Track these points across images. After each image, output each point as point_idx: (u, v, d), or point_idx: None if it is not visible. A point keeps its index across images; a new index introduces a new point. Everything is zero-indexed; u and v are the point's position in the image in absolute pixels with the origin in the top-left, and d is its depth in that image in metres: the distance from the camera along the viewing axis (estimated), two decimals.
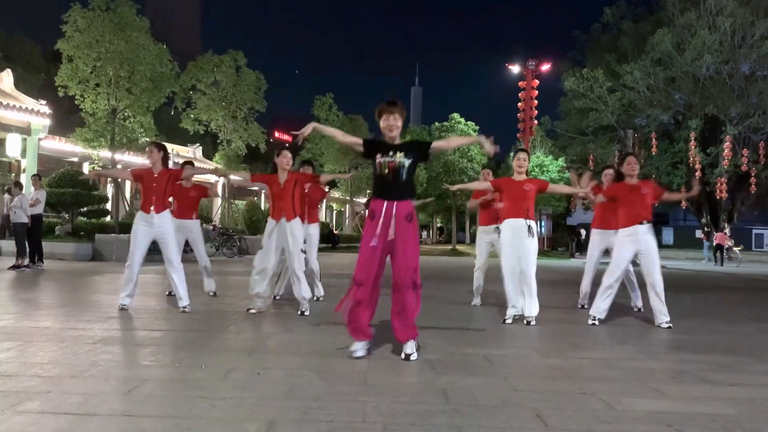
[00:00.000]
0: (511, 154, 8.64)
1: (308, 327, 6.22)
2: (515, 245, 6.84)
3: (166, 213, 7.16)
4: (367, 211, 5.07)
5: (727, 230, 40.25)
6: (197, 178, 8.72)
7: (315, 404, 3.35)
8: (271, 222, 7.05)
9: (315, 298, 8.18)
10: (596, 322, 6.87)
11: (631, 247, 6.82)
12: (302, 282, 7.03)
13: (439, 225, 76.16)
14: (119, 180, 25.99)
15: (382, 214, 4.65)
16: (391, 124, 4.77)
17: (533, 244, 6.86)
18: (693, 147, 31.44)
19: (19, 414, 3.05)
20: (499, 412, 3.30)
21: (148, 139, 23.60)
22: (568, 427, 3.09)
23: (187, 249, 8.79)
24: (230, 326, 6.17)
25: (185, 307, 7.01)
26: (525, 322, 6.80)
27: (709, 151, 31.79)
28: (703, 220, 44.23)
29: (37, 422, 2.93)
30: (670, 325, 6.74)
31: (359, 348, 4.69)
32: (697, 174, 31.74)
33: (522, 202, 6.87)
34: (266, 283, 7.06)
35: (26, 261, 13.48)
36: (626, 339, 6.10)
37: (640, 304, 8.32)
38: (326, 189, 8.85)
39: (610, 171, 8.36)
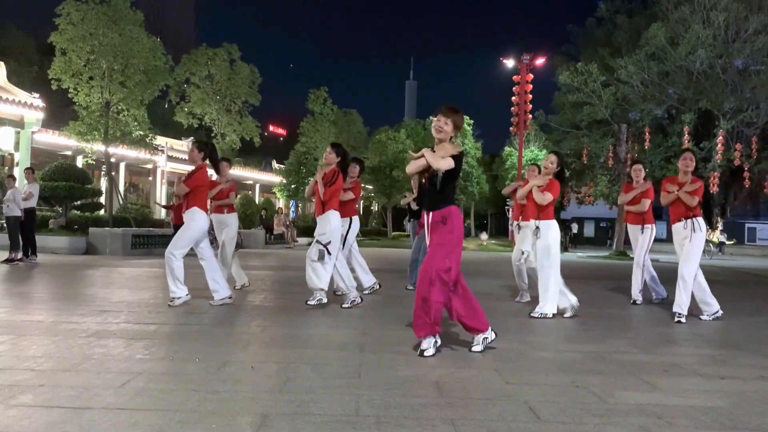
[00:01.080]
0: (506, 148, 8.69)
1: (303, 321, 6.23)
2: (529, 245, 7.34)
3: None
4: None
5: (720, 224, 40.49)
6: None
7: (308, 397, 3.36)
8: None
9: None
10: (682, 320, 6.86)
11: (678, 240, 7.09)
12: (318, 272, 7.04)
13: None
14: (113, 173, 25.92)
15: (425, 225, 4.80)
16: (439, 126, 4.76)
17: (540, 244, 7.05)
18: (686, 141, 31.47)
19: (12, 407, 3.05)
20: (491, 405, 3.32)
21: (141, 132, 23.54)
22: (561, 419, 3.11)
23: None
24: (224, 320, 6.17)
25: (216, 300, 7.14)
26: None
27: (702, 146, 31.84)
28: None
29: (29, 416, 2.93)
30: (682, 320, 6.83)
31: (426, 344, 4.63)
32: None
33: (532, 204, 7.19)
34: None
35: (19, 255, 13.44)
36: (619, 332, 6.13)
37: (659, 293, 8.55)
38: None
39: (639, 166, 8.53)
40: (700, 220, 7.02)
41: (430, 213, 4.73)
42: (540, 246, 7.00)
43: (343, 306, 7.14)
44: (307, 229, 33.80)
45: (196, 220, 7.05)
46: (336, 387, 3.61)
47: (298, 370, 4.02)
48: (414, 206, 9.41)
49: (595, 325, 6.53)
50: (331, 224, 7.10)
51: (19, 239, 13.48)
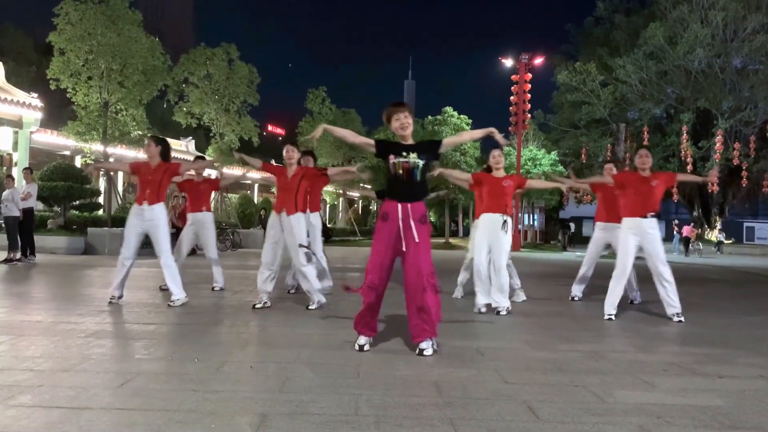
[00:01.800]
0: (505, 148, 8.68)
1: (302, 320, 6.23)
2: (490, 239, 7.06)
3: (159, 206, 7.08)
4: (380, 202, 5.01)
5: (718, 223, 40.55)
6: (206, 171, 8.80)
7: (307, 397, 3.36)
8: (273, 215, 7.00)
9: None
10: (612, 317, 6.84)
11: (633, 240, 6.85)
12: (308, 276, 6.96)
13: (431, 219, 76.17)
14: (111, 173, 25.90)
15: (399, 218, 4.60)
16: (404, 123, 4.72)
17: (507, 240, 7.11)
18: (685, 140, 31.59)
19: (11, 408, 3.05)
20: (490, 405, 3.32)
21: (140, 132, 23.52)
22: (559, 419, 3.11)
23: (196, 248, 8.81)
24: (224, 320, 6.18)
25: (173, 302, 6.95)
26: (496, 312, 6.95)
27: (700, 145, 31.93)
28: (695, 213, 44.48)
29: (29, 416, 2.93)
30: (681, 319, 6.74)
31: (366, 342, 4.71)
32: (689, 168, 31.89)
33: (501, 198, 7.13)
34: (271, 279, 7.01)
35: (18, 255, 13.43)
36: (617, 332, 6.13)
37: (634, 297, 8.41)
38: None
39: (611, 165, 8.52)
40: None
41: (408, 206, 4.62)
42: (505, 241, 7.09)
43: (310, 308, 7.00)
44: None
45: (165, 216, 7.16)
46: (335, 387, 3.62)
47: (297, 369, 4.02)
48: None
49: (594, 325, 6.53)
50: (302, 225, 7.01)
51: (17, 239, 13.48)
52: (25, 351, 4.39)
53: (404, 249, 4.60)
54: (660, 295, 6.93)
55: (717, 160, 31.02)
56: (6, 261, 13.08)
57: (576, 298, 8.62)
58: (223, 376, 3.82)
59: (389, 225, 4.61)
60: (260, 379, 3.80)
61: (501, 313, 6.91)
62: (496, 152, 7.33)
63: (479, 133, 5.30)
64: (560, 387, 3.77)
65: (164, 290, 8.16)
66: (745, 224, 49.02)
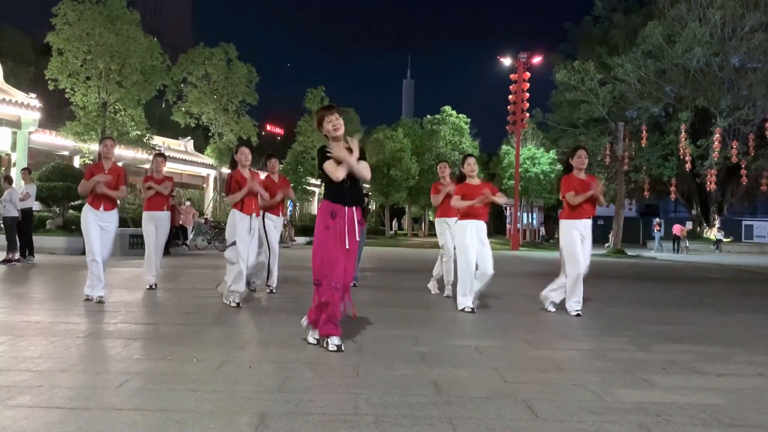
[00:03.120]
0: (504, 147, 8.70)
1: (299, 320, 6.21)
2: (478, 247, 7.15)
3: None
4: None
5: (717, 222, 40.58)
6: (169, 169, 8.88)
7: (307, 397, 3.36)
8: (240, 215, 7.19)
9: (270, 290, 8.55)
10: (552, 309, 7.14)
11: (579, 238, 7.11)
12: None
13: (430, 218, 76.08)
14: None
15: (346, 221, 4.69)
16: (336, 124, 4.80)
17: (488, 246, 7.26)
18: (683, 139, 31.58)
19: (10, 408, 3.04)
20: (489, 404, 3.32)
21: (139, 132, 23.51)
22: (558, 417, 3.11)
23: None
24: (223, 320, 6.17)
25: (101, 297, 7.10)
26: (471, 309, 7.03)
27: (699, 143, 31.91)
28: (694, 212, 44.50)
29: (27, 416, 2.93)
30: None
31: (341, 342, 4.68)
32: (687, 166, 31.91)
33: (483, 206, 7.24)
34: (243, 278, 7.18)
35: (17, 255, 13.43)
36: (616, 330, 6.13)
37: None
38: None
39: (444, 164, 8.95)
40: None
41: (353, 209, 4.75)
42: (488, 246, 7.28)
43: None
44: (304, 228, 33.78)
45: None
46: (334, 386, 3.62)
47: (297, 369, 4.02)
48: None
49: (593, 324, 6.54)
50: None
51: (16, 240, 13.47)
52: (24, 351, 4.38)
53: (347, 247, 4.71)
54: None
55: (715, 159, 31.03)
56: (5, 261, 13.07)
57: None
58: (222, 376, 3.82)
59: (338, 224, 4.69)
60: (259, 378, 3.80)
61: (475, 310, 7.05)
62: (471, 159, 7.50)
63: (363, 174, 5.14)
64: (559, 385, 3.77)
65: (151, 289, 8.41)
66: (744, 222, 48.95)
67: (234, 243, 7.06)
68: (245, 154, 7.28)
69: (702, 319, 7.05)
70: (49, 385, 3.48)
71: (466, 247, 7.15)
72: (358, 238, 4.76)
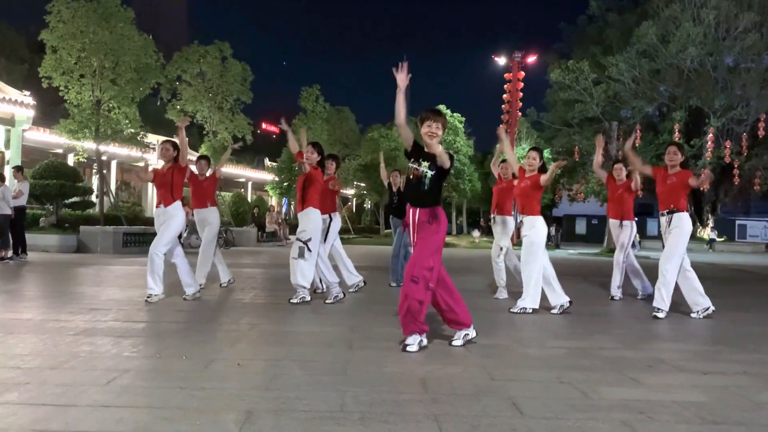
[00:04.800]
0: (498, 146, 8.73)
1: (291, 318, 6.25)
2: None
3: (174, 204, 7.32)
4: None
5: (710, 221, 40.69)
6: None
7: (293, 394, 3.38)
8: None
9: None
10: (660, 315, 6.84)
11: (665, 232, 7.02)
12: (296, 269, 7.12)
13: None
14: (104, 171, 25.82)
15: (410, 221, 4.80)
16: (432, 132, 4.79)
17: (525, 239, 7.08)
18: (677, 139, 31.66)
19: None
20: (476, 401, 3.35)
21: (133, 130, 23.46)
22: (544, 415, 3.14)
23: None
24: (212, 318, 6.19)
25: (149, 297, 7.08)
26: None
27: (692, 143, 32.01)
28: None
29: (15, 413, 2.94)
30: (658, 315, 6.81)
31: (415, 342, 4.68)
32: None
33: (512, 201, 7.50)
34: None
35: (9, 253, 13.40)
36: (606, 329, 6.17)
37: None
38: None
39: (620, 165, 8.80)
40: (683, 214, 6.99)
41: (417, 210, 4.76)
42: (525, 241, 7.04)
43: (327, 302, 7.23)
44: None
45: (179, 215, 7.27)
46: (322, 384, 3.64)
47: (285, 367, 4.04)
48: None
49: (581, 322, 6.57)
50: (312, 221, 7.18)
51: (9, 237, 13.44)
52: (14, 349, 4.39)
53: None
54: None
55: (708, 159, 31.13)
56: None
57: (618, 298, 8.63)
58: (210, 374, 3.84)
59: (406, 227, 4.89)
60: (248, 376, 3.82)
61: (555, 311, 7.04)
62: (532, 153, 7.34)
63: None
64: (546, 383, 3.80)
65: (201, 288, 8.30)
66: (737, 222, 49.18)
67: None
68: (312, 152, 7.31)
69: (691, 318, 7.08)
70: (38, 382, 3.49)
71: (540, 251, 7.08)
72: (419, 237, 4.76)
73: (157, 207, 7.47)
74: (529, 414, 3.15)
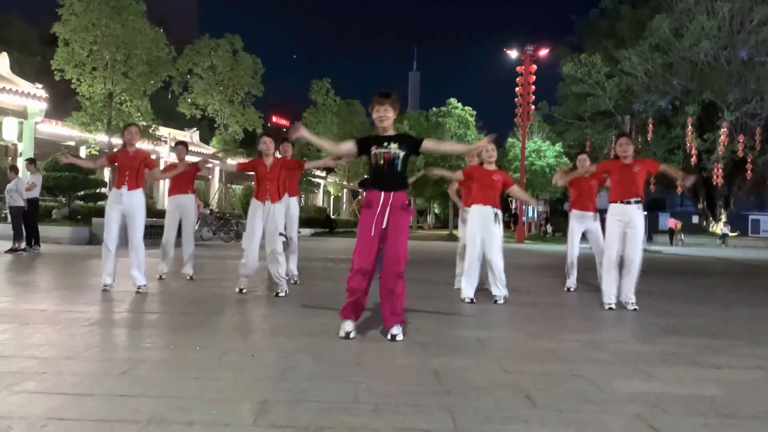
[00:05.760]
0: (510, 139, 8.72)
1: (303, 310, 6.26)
2: (483, 232, 7.13)
3: (137, 192, 7.28)
4: (363, 194, 5.12)
5: (723, 216, 40.48)
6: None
7: (307, 385, 3.39)
8: (255, 203, 7.25)
9: (292, 281, 8.33)
10: (613, 307, 6.88)
11: (619, 226, 6.87)
12: (281, 263, 7.22)
13: (436, 211, 76.15)
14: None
15: (380, 205, 4.73)
16: (382, 115, 4.84)
17: (499, 231, 7.19)
18: (690, 133, 31.51)
19: (15, 394, 3.08)
20: (489, 393, 3.35)
21: (144, 123, 23.56)
22: (557, 407, 3.14)
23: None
24: (226, 309, 6.22)
25: (140, 287, 7.08)
26: (494, 301, 7.07)
27: (705, 137, 31.82)
28: (700, 206, 44.37)
29: (32, 402, 2.97)
30: (636, 307, 6.85)
31: (353, 329, 4.79)
32: (693, 160, 31.81)
33: (490, 191, 7.18)
34: (252, 263, 7.27)
35: (23, 245, 13.50)
36: (618, 322, 6.15)
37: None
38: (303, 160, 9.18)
39: (584, 156, 8.72)
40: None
41: (391, 195, 4.76)
42: (497, 233, 7.17)
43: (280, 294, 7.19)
44: (309, 219, 33.83)
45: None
46: (335, 375, 3.65)
47: (299, 358, 4.05)
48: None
49: (594, 315, 6.55)
50: (282, 213, 7.45)
51: (22, 229, 13.54)
52: (30, 339, 4.43)
53: (386, 234, 4.76)
54: (621, 281, 7.01)
55: (722, 153, 30.91)
56: (11, 251, 13.15)
57: (571, 289, 8.66)
58: (224, 364, 3.86)
59: (373, 212, 4.75)
60: (261, 367, 3.84)
61: (499, 302, 7.05)
62: (490, 146, 7.38)
63: (461, 147, 5.28)
64: (559, 376, 3.80)
65: (161, 279, 8.47)
66: (751, 217, 48.92)
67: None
68: (266, 144, 7.32)
69: (706, 312, 7.06)
70: (54, 372, 3.52)
71: (470, 237, 7.18)
72: (397, 225, 4.75)
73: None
74: (542, 406, 3.15)
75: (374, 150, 4.81)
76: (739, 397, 3.43)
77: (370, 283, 4.85)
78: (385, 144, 4.77)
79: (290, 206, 8.29)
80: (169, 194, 8.86)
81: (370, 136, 5.01)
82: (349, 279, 4.80)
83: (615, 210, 6.89)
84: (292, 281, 8.29)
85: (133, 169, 7.24)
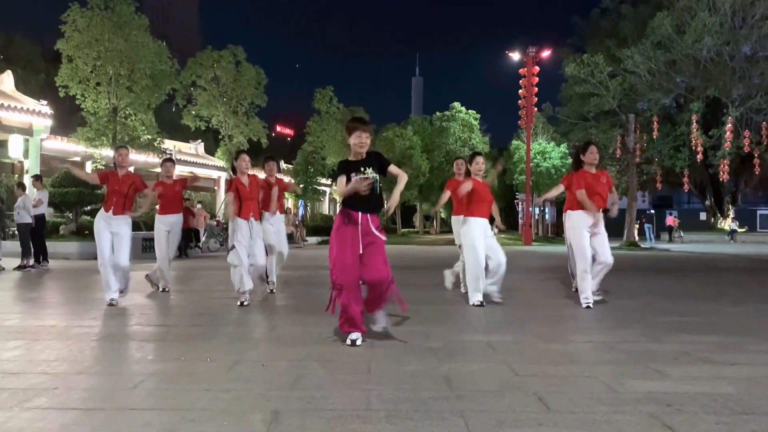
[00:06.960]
0: (514, 142, 8.74)
1: (311, 318, 6.25)
2: (487, 243, 7.29)
3: (123, 217, 7.47)
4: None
5: (731, 212, 40.31)
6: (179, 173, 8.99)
7: (319, 394, 3.38)
8: (239, 220, 7.35)
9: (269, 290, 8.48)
10: (591, 305, 7.00)
11: (588, 233, 7.16)
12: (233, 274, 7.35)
13: (442, 216, 75.96)
14: None
15: (359, 226, 4.83)
16: (363, 142, 4.92)
17: (493, 233, 7.53)
18: (695, 130, 31.35)
19: (27, 410, 3.09)
20: (501, 397, 3.33)
21: (149, 136, 23.65)
22: (570, 409, 3.12)
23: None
24: (233, 320, 6.22)
25: (112, 300, 7.14)
26: (480, 303, 7.12)
27: (711, 134, 31.66)
28: (707, 203, 44.20)
29: (44, 418, 2.97)
30: (590, 305, 6.99)
31: (358, 337, 4.82)
32: (699, 157, 31.69)
33: (487, 204, 7.40)
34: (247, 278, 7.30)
35: (31, 261, 13.55)
36: (629, 322, 6.12)
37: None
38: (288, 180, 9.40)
39: (461, 161, 8.67)
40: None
41: (368, 216, 4.87)
42: (496, 241, 7.48)
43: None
44: (316, 228, 33.85)
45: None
46: (346, 383, 3.64)
47: (309, 367, 4.04)
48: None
49: (605, 316, 6.52)
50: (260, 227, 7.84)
51: (30, 246, 13.59)
52: (40, 355, 4.44)
53: (361, 253, 4.83)
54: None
55: (727, 149, 30.77)
56: (19, 267, 13.20)
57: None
58: (235, 375, 3.85)
59: (351, 230, 4.84)
60: (272, 376, 3.83)
61: (496, 299, 7.27)
62: (479, 158, 7.55)
63: (400, 186, 5.20)
64: (571, 378, 3.78)
65: (165, 291, 8.60)
66: (759, 212, 48.59)
67: (234, 247, 7.26)
68: (245, 162, 7.53)
69: (716, 309, 7.02)
70: (65, 387, 3.52)
71: (476, 248, 7.19)
72: (377, 245, 4.88)
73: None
74: (555, 408, 3.13)
75: (354, 177, 4.84)
76: (753, 394, 3.41)
77: (360, 291, 4.90)
78: (362, 169, 4.83)
79: (279, 222, 8.52)
80: (159, 213, 8.83)
81: (347, 160, 5.03)
82: (337, 297, 4.83)
83: (585, 220, 7.13)
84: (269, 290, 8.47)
85: (121, 194, 7.39)
